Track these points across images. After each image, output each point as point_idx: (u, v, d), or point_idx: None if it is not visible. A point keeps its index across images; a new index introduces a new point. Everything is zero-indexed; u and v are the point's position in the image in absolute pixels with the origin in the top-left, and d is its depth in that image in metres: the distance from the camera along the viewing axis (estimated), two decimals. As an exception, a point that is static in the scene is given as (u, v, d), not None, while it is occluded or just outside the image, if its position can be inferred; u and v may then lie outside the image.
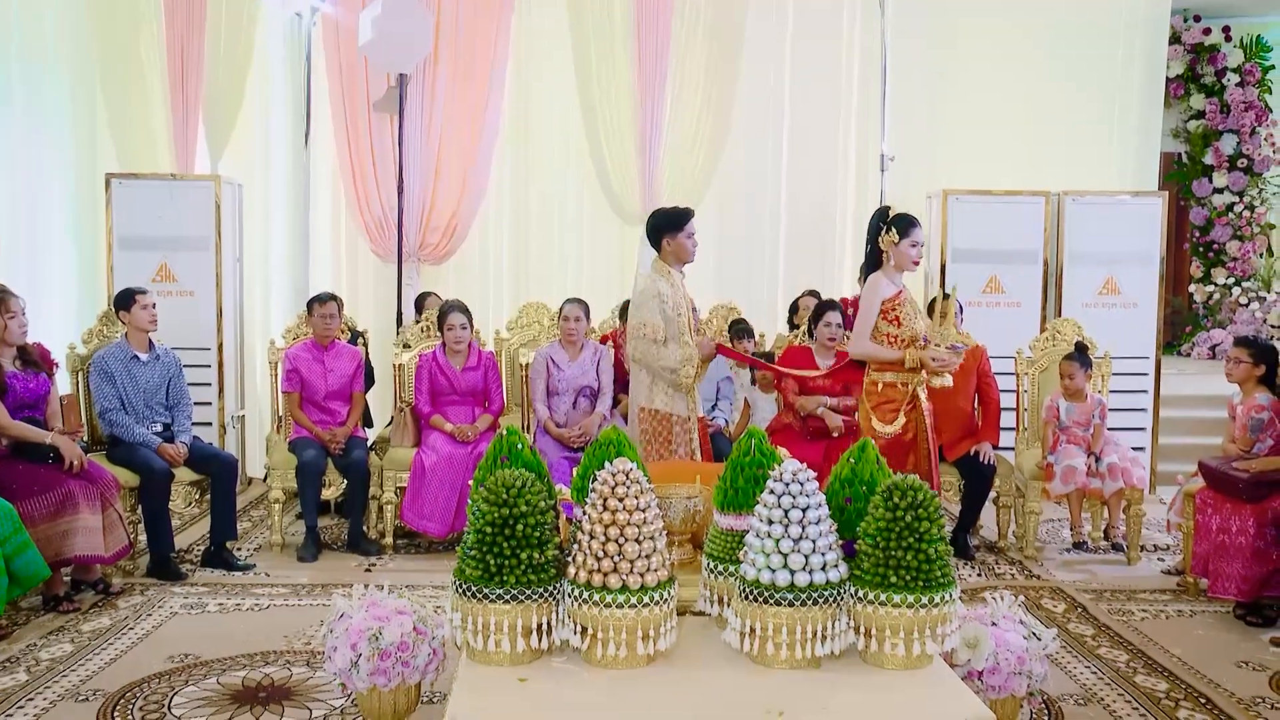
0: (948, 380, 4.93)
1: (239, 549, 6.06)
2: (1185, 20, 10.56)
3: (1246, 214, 10.56)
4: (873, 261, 5.07)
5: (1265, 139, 10.47)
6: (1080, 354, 6.20)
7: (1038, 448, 6.33)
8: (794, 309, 7.51)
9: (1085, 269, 7.75)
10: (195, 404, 6.18)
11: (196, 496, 6.23)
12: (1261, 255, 10.73)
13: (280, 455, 6.20)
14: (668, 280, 5.15)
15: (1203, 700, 4.15)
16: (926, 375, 4.92)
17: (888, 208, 5.14)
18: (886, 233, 4.95)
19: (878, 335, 4.97)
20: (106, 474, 5.30)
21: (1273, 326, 10.01)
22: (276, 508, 6.15)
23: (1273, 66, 10.21)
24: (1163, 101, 8.82)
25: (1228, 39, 10.45)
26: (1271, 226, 10.72)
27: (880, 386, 4.97)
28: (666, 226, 5.18)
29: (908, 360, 4.88)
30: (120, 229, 7.29)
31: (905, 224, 4.96)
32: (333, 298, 6.42)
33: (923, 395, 4.98)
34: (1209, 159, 10.63)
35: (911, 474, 4.59)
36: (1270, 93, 10.43)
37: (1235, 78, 10.48)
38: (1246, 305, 10.42)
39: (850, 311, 7.32)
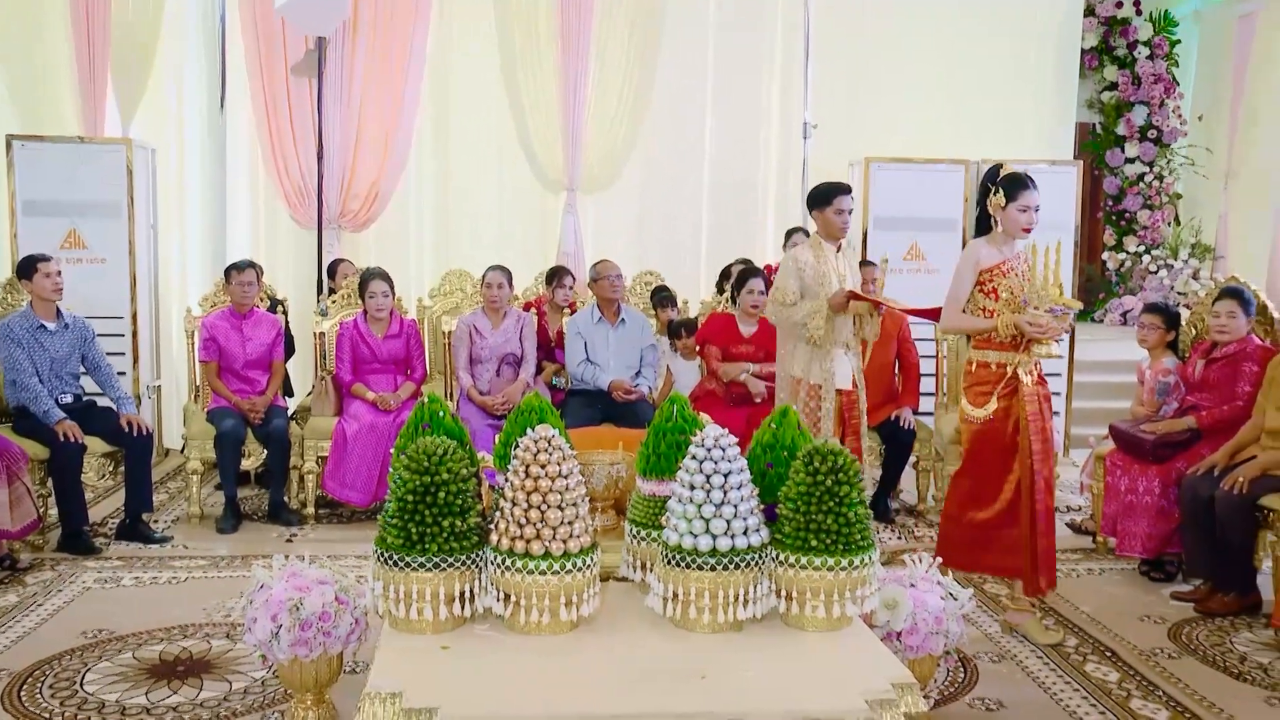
0: (1053, 349, 4.25)
1: (156, 521, 5.95)
2: (1099, -8, 10.76)
3: (1156, 184, 10.83)
4: (983, 225, 4.51)
5: (1173, 111, 10.73)
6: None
7: (956, 412, 6.44)
8: (725, 276, 7.51)
9: (1003, 236, 7.88)
10: (108, 374, 6.05)
11: (110, 468, 6.08)
12: (1170, 224, 11.02)
13: (198, 425, 6.09)
14: (816, 251, 5.05)
15: (1108, 653, 4.29)
16: (1023, 349, 4.28)
17: (999, 166, 4.47)
18: (994, 194, 4.38)
19: (973, 308, 4.42)
20: (13, 446, 5.15)
21: (1180, 293, 10.29)
22: (194, 479, 6.04)
23: (1179, 41, 10.45)
24: (1078, 73, 9.01)
25: (1138, 12, 10.67)
26: (1179, 196, 11.01)
27: (974, 366, 4.42)
28: (815, 202, 5.12)
29: (1000, 328, 4.27)
30: (24, 193, 7.05)
31: (1013, 185, 4.34)
32: (251, 265, 6.30)
33: (1025, 379, 4.31)
34: (1121, 129, 10.87)
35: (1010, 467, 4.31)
36: (1177, 66, 10.68)
37: (1145, 50, 10.71)
38: (1156, 273, 10.70)
39: (773, 279, 7.37)
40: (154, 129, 7.85)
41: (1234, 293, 5.17)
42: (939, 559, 3.36)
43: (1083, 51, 9.48)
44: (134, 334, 7.25)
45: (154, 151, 7.57)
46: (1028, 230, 4.36)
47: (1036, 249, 4.19)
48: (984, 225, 4.49)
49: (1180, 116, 10.60)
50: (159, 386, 7.66)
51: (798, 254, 5.09)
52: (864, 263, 6.54)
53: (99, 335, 5.90)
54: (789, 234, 7.47)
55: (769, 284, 7.13)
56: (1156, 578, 5.22)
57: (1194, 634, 4.56)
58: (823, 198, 5.08)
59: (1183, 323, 5.70)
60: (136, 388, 7.22)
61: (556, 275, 6.95)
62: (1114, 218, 11.17)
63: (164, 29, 7.79)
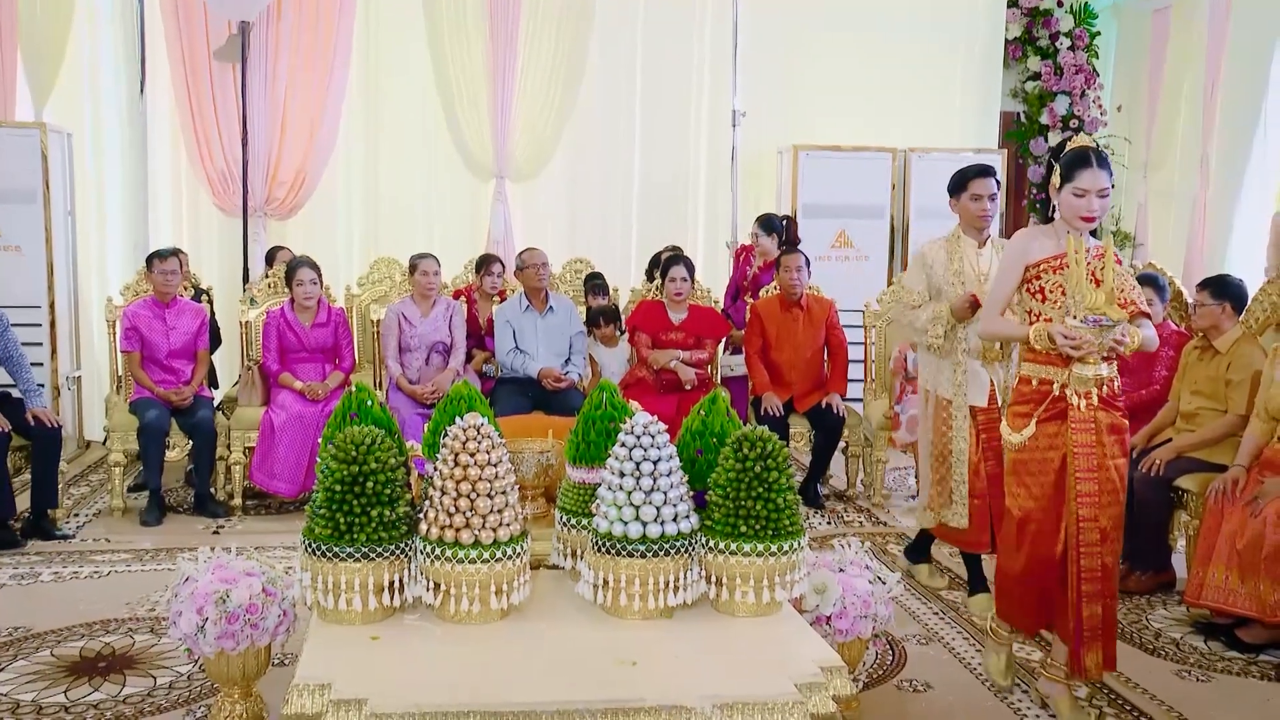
0: (1101, 369, 3.41)
1: (75, 514, 5.81)
2: (1023, -17, 10.93)
3: (1078, 172, 11.05)
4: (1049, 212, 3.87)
5: (1094, 101, 10.94)
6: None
7: (885, 398, 6.53)
8: (655, 263, 7.52)
9: (930, 223, 7.97)
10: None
11: (23, 461, 5.92)
12: (1091, 212, 11.25)
13: (121, 417, 5.96)
14: (950, 247, 4.51)
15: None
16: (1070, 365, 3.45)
17: (1064, 141, 3.71)
18: (1051, 174, 3.57)
19: (1021, 310, 3.66)
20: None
21: (1099, 280, 10.52)
22: (117, 471, 5.91)
23: (1098, 33, 10.66)
24: (1002, 63, 9.19)
25: (1060, 4, 10.85)
26: (1100, 185, 11.26)
27: (1018, 381, 3.65)
28: (951, 188, 4.56)
29: (1033, 337, 3.47)
30: (-67, 180, 6.85)
31: (1070, 164, 3.47)
32: (174, 253, 6.17)
33: (1077, 402, 3.44)
34: (1045, 119, 11.06)
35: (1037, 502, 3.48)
36: (1097, 57, 10.89)
37: (1067, 41, 10.91)
38: (1077, 260, 10.93)
39: (741, 259, 7.42)
40: (70, 114, 7.66)
41: (1149, 280, 5.30)
42: (998, 617, 3.30)
43: (1006, 42, 9.66)
44: (52, 324, 7.07)
45: (70, 136, 7.38)
46: (1087, 220, 3.45)
47: (1071, 244, 3.38)
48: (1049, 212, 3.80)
49: (1100, 107, 10.80)
50: (79, 377, 7.48)
51: (927, 250, 4.57)
52: (788, 250, 6.55)
53: (14, 325, 5.73)
54: (758, 220, 7.45)
55: (743, 270, 7.16)
56: (1077, 558, 5.33)
57: (1113, 612, 4.67)
58: (958, 183, 4.54)
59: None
60: (55, 378, 7.05)
61: (485, 263, 6.91)
62: (1038, 205, 11.37)
63: (77, 11, 7.58)
